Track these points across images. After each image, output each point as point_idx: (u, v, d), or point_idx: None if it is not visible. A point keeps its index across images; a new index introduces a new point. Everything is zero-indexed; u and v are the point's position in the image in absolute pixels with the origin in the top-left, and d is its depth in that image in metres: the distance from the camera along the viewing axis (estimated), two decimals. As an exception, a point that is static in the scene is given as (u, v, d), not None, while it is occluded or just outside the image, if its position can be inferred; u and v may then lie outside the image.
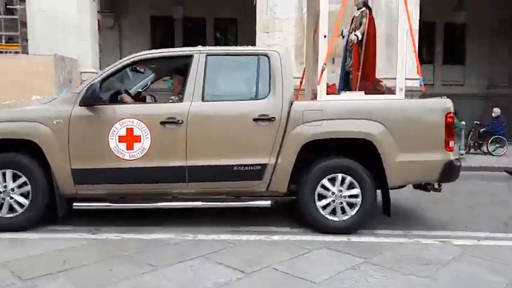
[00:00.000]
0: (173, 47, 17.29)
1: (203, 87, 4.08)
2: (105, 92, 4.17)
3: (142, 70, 4.96)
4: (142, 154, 3.97)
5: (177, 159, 3.99)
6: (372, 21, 4.99)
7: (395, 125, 4.00)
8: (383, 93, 4.70)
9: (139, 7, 16.58)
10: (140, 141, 3.96)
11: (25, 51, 13.44)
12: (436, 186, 4.32)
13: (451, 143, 4.08)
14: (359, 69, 4.92)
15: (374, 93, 4.61)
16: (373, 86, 4.84)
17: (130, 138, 3.97)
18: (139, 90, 5.04)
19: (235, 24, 17.71)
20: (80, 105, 3.99)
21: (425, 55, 17.30)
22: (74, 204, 4.13)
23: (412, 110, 4.20)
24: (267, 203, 4.14)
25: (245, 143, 4.05)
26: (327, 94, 4.53)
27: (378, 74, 5.34)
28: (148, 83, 5.15)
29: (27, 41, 12.90)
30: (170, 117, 3.98)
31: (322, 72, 4.42)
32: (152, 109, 4.26)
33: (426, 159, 4.02)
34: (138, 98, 4.84)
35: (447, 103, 4.14)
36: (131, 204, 4.25)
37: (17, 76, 9.80)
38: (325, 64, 4.43)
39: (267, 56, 4.19)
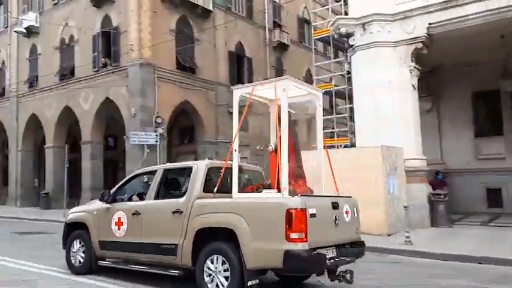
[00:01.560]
0: (501, 121, 15.66)
1: (157, 190, 6.17)
2: (126, 193, 6.90)
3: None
4: (124, 233, 6.23)
5: (138, 237, 6.02)
6: (292, 135, 5.55)
7: (251, 218, 4.90)
8: (294, 190, 5.15)
9: (460, 86, 16.06)
10: (123, 225, 6.25)
11: (352, 143, 15.30)
12: (348, 277, 5.13)
13: (294, 235, 4.58)
14: (276, 172, 5.28)
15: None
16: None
17: (119, 223, 6.32)
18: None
19: None
20: (106, 203, 6.59)
21: None
22: (99, 262, 6.63)
23: (262, 207, 5.02)
24: (176, 272, 5.57)
25: (167, 229, 5.71)
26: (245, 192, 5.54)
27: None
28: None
29: (354, 134, 14.69)
30: (136, 210, 6.16)
31: (220, 177, 5.60)
32: (129, 205, 6.42)
33: (270, 247, 4.70)
34: None
35: (290, 201, 4.75)
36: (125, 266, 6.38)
37: (349, 168, 10.66)
38: (221, 173, 5.64)
39: (191, 167, 5.93)
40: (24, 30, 22.92)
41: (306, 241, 4.61)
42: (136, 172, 7.09)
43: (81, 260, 6.75)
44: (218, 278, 5.04)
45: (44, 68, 23.62)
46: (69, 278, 6.54)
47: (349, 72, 16.67)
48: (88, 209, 7.11)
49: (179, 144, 24.95)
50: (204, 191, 5.63)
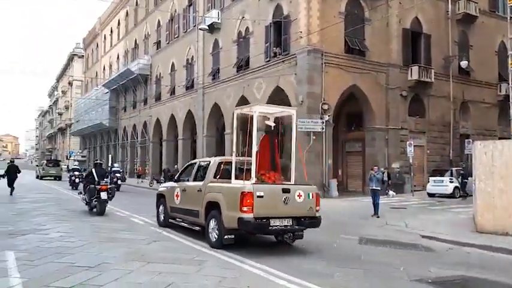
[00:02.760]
0: None
1: (194, 175, 9.43)
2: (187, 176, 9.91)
3: None
4: (179, 202, 9.50)
5: (184, 205, 9.26)
6: (264, 139, 8.37)
7: (227, 196, 7.74)
8: (263, 180, 7.92)
9: None
10: (179, 197, 9.51)
11: None
12: (289, 240, 8.19)
13: (245, 208, 7.21)
14: (257, 166, 7.87)
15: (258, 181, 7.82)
16: (259, 175, 7.94)
17: (177, 195, 9.57)
18: None
19: None
20: (173, 182, 10.24)
21: None
22: (170, 220, 10.06)
23: (232, 190, 7.70)
24: (198, 228, 8.81)
25: (195, 200, 8.73)
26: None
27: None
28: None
29: None
30: (184, 188, 9.46)
31: (221, 169, 8.69)
32: (182, 184, 9.67)
33: (233, 215, 7.40)
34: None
35: (245, 187, 7.38)
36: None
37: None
38: (222, 166, 8.74)
39: (209, 162, 9.15)
40: (207, 27, 25.44)
41: (252, 212, 7.21)
42: (188, 163, 10.96)
43: (162, 218, 10.43)
44: (213, 233, 7.97)
45: (224, 61, 25.90)
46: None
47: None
48: (166, 185, 11.10)
49: (346, 131, 24.33)
50: (215, 177, 8.62)
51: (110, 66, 48.73)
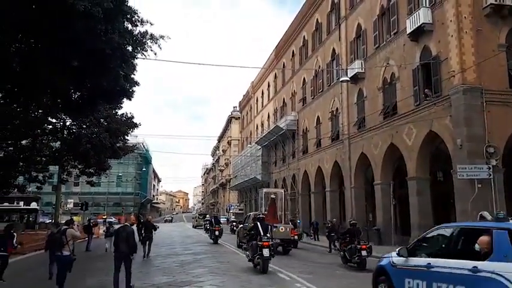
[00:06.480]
0: None
1: (246, 220, 23.31)
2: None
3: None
4: (241, 235, 22.08)
5: (242, 236, 21.06)
6: (271, 203, 21.58)
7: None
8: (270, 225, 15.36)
9: None
10: (240, 232, 22.52)
11: None
12: (282, 252, 18.50)
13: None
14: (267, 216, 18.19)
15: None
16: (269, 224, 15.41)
17: (241, 231, 22.56)
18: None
19: None
20: (240, 224, 26.25)
21: None
22: (240, 243, 22.24)
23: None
24: (244, 246, 17.05)
25: (244, 233, 19.90)
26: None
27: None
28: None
29: None
30: (243, 227, 22.26)
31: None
32: (243, 226, 22.28)
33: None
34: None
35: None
36: None
37: None
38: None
39: (250, 214, 24.09)
40: (348, 79, 25.15)
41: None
42: (245, 216, 25.53)
43: (237, 244, 21.10)
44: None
45: (369, 109, 25.26)
46: None
47: None
48: (240, 227, 22.97)
49: (523, 177, 20.65)
50: (252, 220, 19.18)
51: (262, 124, 52.22)
